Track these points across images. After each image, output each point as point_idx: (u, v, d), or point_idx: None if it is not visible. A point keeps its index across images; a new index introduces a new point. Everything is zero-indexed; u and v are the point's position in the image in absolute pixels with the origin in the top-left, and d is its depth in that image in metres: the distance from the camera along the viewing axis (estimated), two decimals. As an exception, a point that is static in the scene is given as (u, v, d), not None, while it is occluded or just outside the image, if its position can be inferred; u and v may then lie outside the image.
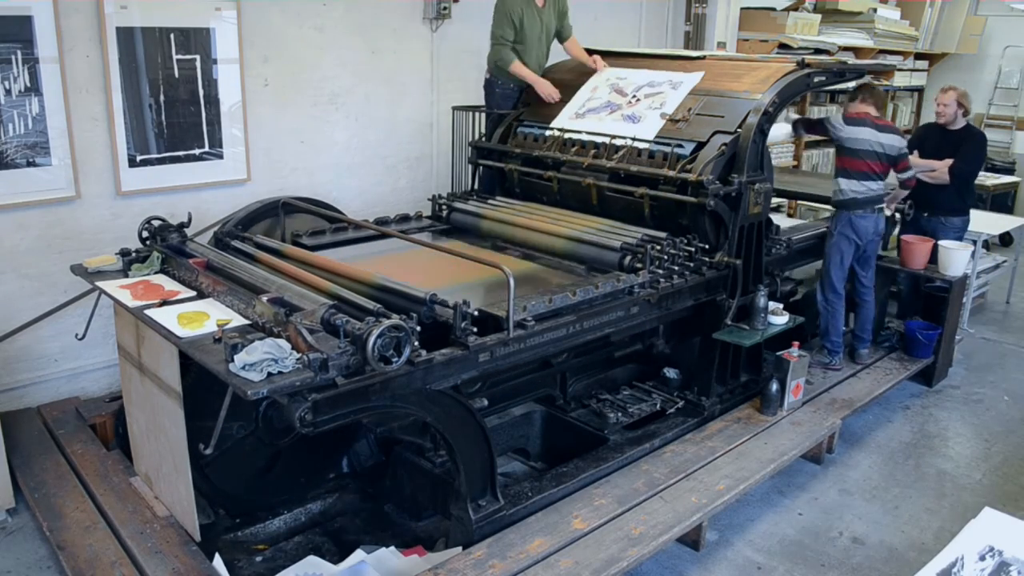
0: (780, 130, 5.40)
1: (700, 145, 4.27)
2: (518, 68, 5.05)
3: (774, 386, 4.38)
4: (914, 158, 5.38)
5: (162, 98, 4.56)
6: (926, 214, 5.72)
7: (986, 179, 8.11)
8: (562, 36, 5.50)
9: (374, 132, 5.63)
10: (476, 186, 5.22)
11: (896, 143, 4.90)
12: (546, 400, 4.23)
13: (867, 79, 5.35)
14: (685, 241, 4.11)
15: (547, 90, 5.08)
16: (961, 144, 5.54)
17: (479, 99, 5.76)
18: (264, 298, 2.93)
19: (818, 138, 8.98)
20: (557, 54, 5.65)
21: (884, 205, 5.03)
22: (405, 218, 4.69)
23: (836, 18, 8.83)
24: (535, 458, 4.28)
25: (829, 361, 5.17)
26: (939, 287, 5.53)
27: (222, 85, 4.78)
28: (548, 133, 4.86)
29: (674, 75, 4.74)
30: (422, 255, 4.15)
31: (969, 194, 5.80)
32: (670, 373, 4.51)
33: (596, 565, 3.15)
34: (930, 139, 5.82)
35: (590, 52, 5.49)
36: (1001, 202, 8.98)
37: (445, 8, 5.64)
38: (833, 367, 5.16)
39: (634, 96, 4.75)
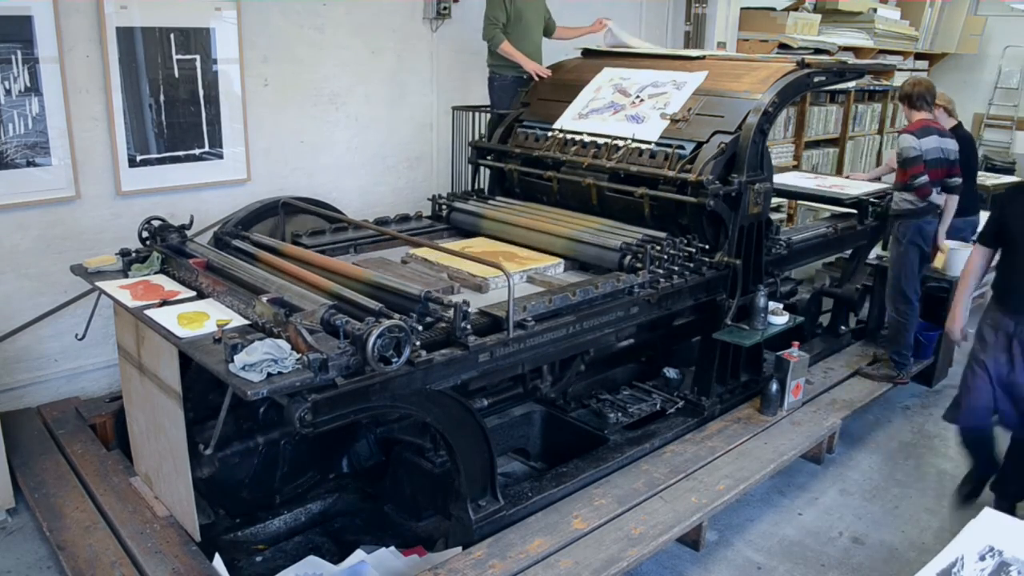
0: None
1: (700, 145, 4.27)
2: (507, 47, 5.19)
3: (774, 386, 4.38)
4: None
5: (162, 98, 4.56)
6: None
7: (986, 179, 8.09)
8: (549, 30, 5.57)
9: (374, 132, 5.63)
10: (478, 185, 5.21)
11: (954, 147, 4.78)
12: (546, 400, 4.22)
13: (921, 79, 4.98)
14: (685, 241, 4.10)
15: (535, 67, 5.23)
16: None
17: (479, 99, 5.77)
18: (264, 298, 2.93)
19: (820, 138, 9.04)
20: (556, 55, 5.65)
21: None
22: (405, 218, 4.69)
23: (836, 18, 8.83)
24: (535, 458, 4.28)
25: (897, 374, 5.00)
26: (939, 287, 5.52)
27: (222, 85, 4.78)
28: (549, 133, 4.86)
29: (678, 75, 4.71)
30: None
31: (971, 195, 5.76)
32: (670, 373, 4.51)
33: (596, 565, 3.15)
34: None
35: (589, 52, 5.50)
36: (1001, 202, 8.95)
37: (445, 8, 5.65)
38: (900, 381, 5.02)
39: (638, 96, 4.73)
